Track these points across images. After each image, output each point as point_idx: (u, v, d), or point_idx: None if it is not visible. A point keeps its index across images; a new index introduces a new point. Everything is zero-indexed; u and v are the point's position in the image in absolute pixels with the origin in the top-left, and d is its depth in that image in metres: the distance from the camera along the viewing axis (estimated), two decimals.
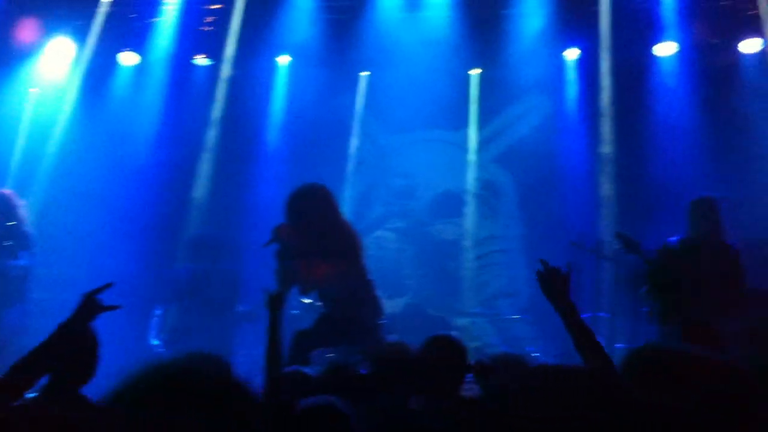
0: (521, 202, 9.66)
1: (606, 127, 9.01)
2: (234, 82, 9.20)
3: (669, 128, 8.72)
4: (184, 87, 9.35)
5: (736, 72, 8.56)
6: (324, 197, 5.33)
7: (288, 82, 9.45)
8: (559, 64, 9.09)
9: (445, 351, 3.52)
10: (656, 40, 8.52)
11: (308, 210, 5.19)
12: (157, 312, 6.98)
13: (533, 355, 7.60)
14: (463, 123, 9.70)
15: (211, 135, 9.14)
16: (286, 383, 3.92)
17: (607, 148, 9.00)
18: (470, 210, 9.75)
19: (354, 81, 9.55)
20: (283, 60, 9.41)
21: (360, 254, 5.41)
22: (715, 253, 5.88)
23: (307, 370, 4.22)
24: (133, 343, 6.40)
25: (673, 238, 6.01)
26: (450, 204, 9.84)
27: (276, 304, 3.73)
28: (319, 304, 5.54)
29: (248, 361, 7.22)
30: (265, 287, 3.80)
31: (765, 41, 8.31)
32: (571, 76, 9.08)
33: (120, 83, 9.31)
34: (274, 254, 5.32)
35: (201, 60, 9.35)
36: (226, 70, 9.08)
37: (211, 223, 8.77)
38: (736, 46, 8.42)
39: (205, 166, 9.15)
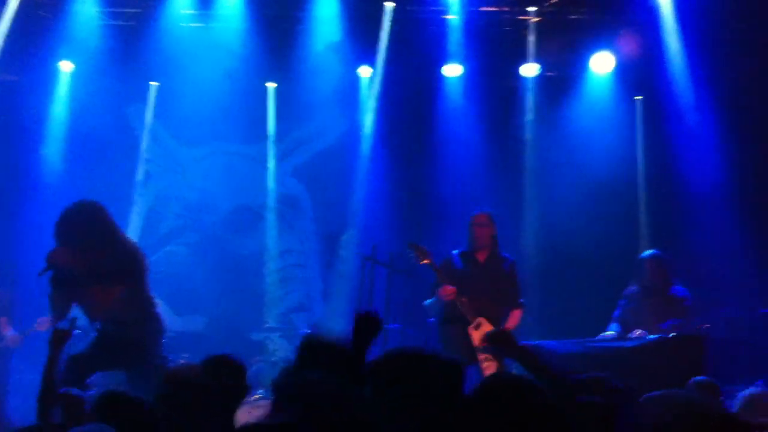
0: (316, 217, 9.73)
1: (398, 144, 9.32)
2: (7, 88, 8.59)
3: (455, 145, 9.15)
4: None
5: (516, 94, 9.14)
6: (97, 215, 5.06)
7: (71, 90, 8.92)
8: (354, 80, 9.27)
9: (223, 371, 3.40)
10: (444, 61, 8.91)
11: (81, 230, 4.91)
12: None
13: None
14: (260, 136, 9.63)
15: None
16: (59, 408, 3.79)
17: (399, 164, 9.30)
18: (267, 224, 9.69)
19: (143, 91, 9.19)
20: (66, 66, 8.88)
21: (143, 272, 5.22)
22: (493, 264, 6.24)
23: (81, 393, 4.02)
24: None
25: (456, 251, 6.32)
26: (246, 218, 9.72)
27: (59, 340, 3.82)
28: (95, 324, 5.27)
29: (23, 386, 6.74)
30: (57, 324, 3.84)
31: (540, 67, 8.94)
32: (365, 93, 9.28)
33: None
34: (49, 281, 4.98)
35: None
36: None
37: None
38: (516, 69, 8.99)
39: None
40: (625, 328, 6.29)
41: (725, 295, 8.14)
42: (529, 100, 9.17)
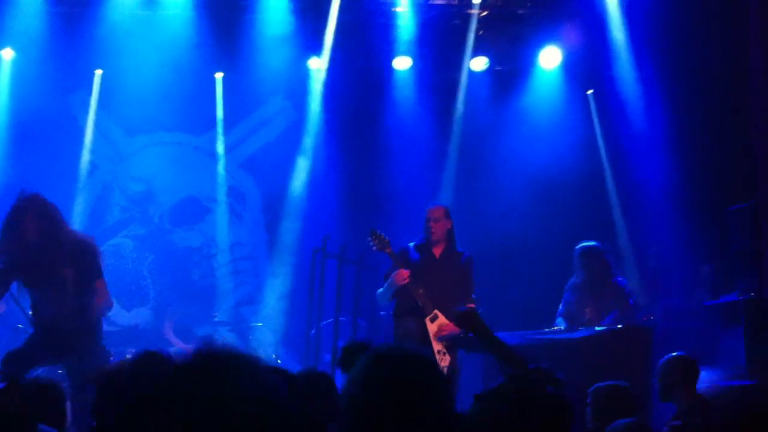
0: (266, 209, 9.65)
1: (348, 135, 9.30)
2: None
3: (405, 138, 9.16)
4: None
5: (465, 86, 9.18)
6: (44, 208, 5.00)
7: (11, 79, 8.65)
8: (304, 72, 9.19)
9: (151, 368, 3.30)
10: (394, 54, 8.90)
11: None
12: None
13: (277, 360, 7.62)
14: (207, 127, 9.49)
15: None
16: None
17: (349, 156, 9.26)
18: (216, 217, 9.57)
19: (86, 79, 8.96)
20: (6, 54, 8.61)
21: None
22: (448, 258, 6.22)
23: None
24: None
25: (412, 243, 6.29)
26: (193, 210, 9.57)
27: None
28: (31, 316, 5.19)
29: None
30: None
31: (489, 61, 9.01)
32: (315, 84, 9.21)
33: None
34: None
35: None
36: None
37: None
38: (464, 63, 9.04)
39: None
40: (570, 322, 6.37)
41: (669, 286, 8.36)
42: (479, 93, 9.24)
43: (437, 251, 6.22)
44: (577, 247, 6.68)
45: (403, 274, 5.89)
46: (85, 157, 9.09)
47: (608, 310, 6.30)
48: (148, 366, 3.21)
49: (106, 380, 3.51)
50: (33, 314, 5.28)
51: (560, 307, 6.62)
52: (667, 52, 8.45)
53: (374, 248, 6.04)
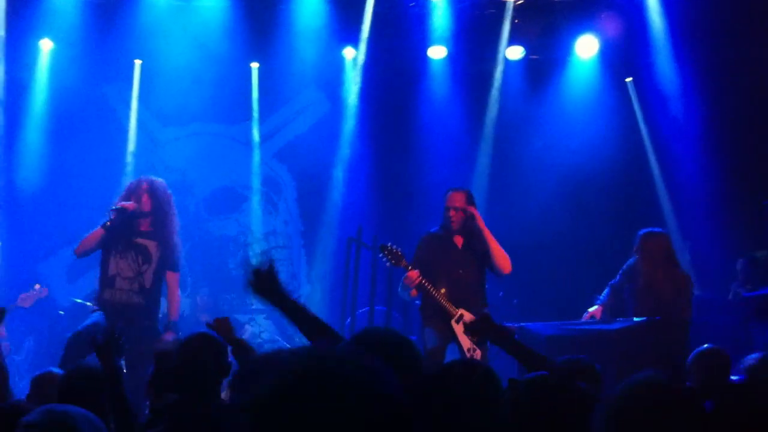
0: (300, 198, 9.70)
1: (382, 125, 9.30)
2: None
3: (439, 128, 9.15)
4: None
5: (501, 75, 9.12)
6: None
7: (50, 69, 8.77)
8: (338, 62, 9.21)
9: (204, 350, 3.37)
10: (429, 44, 8.87)
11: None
12: None
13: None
14: (243, 117, 9.56)
15: None
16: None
17: (384, 146, 9.28)
18: (251, 206, 9.64)
19: (123, 69, 9.05)
20: (45, 45, 8.73)
21: None
22: (471, 246, 6.04)
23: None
24: None
25: (434, 229, 6.13)
26: (229, 199, 9.67)
27: None
28: (90, 304, 5.29)
29: None
30: None
31: (524, 50, 8.94)
32: (350, 74, 9.23)
33: None
34: None
35: None
36: None
37: None
38: (500, 53, 8.97)
39: None
40: (618, 309, 6.12)
41: (704, 280, 8.26)
42: (514, 83, 9.18)
43: (459, 240, 5.91)
44: (641, 232, 6.23)
45: (412, 276, 5.62)
46: (130, 147, 9.17)
47: (666, 299, 5.91)
48: (204, 347, 3.32)
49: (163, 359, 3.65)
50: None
51: (604, 292, 6.32)
52: (705, 42, 8.31)
53: (387, 264, 5.73)
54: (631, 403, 1.96)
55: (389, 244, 5.77)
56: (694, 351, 4.53)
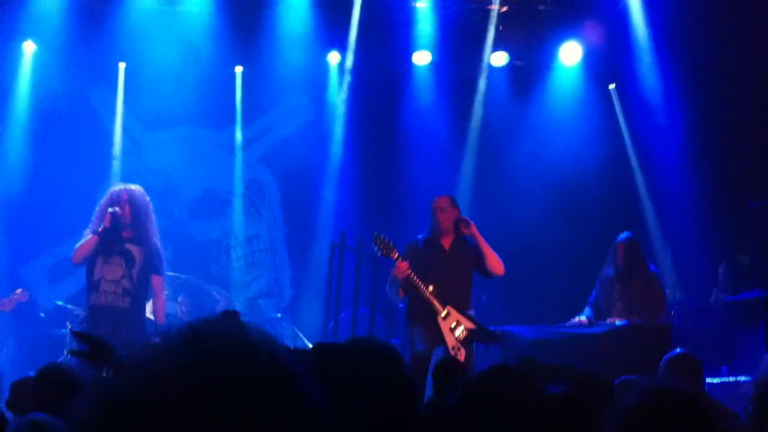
0: (284, 203, 9.69)
1: (366, 130, 9.31)
2: None
3: (424, 133, 9.17)
4: None
5: (485, 81, 9.17)
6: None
7: (32, 71, 8.72)
8: (323, 67, 9.22)
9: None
10: (413, 49, 8.91)
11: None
12: None
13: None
14: (226, 121, 9.54)
15: None
16: None
17: (368, 151, 9.30)
18: (234, 210, 9.62)
19: (107, 72, 9.01)
20: (28, 47, 8.68)
21: None
22: (458, 249, 6.13)
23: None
24: None
25: (421, 235, 6.22)
26: (212, 203, 9.63)
27: None
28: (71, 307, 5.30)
29: None
30: None
31: (509, 55, 9.00)
32: (335, 79, 9.24)
33: None
34: None
35: None
36: None
37: None
38: (484, 59, 9.02)
39: None
40: (597, 313, 6.29)
41: (684, 285, 8.32)
42: (498, 89, 9.23)
43: (446, 242, 6.06)
44: (617, 238, 6.50)
45: (401, 267, 5.75)
46: (114, 150, 9.12)
47: (640, 303, 6.13)
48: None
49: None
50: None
51: (590, 296, 6.49)
52: (688, 48, 8.39)
53: (379, 254, 5.90)
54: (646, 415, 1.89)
55: (382, 235, 5.88)
56: (666, 356, 4.51)
